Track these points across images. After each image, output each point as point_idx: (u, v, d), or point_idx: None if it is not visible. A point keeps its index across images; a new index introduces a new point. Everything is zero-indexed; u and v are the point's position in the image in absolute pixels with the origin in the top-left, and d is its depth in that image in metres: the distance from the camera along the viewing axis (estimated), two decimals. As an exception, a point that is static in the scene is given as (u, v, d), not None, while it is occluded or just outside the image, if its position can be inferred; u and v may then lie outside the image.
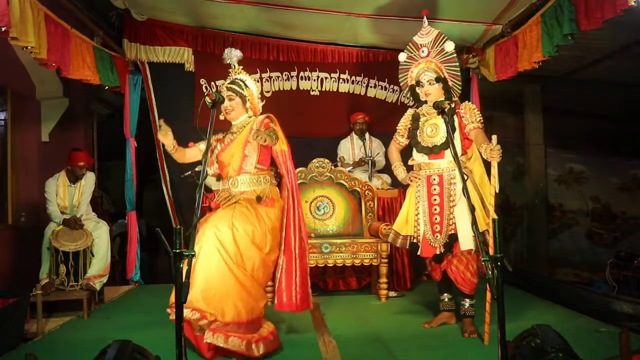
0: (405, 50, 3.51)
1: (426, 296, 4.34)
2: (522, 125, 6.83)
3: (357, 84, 5.71)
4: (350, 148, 5.36)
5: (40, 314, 3.56)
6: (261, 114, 3.15)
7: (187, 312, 2.56)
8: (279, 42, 5.53)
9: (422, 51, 3.41)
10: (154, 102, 5.36)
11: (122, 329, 3.48)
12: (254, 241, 2.82)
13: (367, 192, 4.72)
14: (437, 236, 3.30)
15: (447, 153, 3.29)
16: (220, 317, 2.64)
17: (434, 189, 3.34)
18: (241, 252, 2.77)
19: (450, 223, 3.26)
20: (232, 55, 3.13)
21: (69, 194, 4.25)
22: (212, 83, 5.45)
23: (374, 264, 4.32)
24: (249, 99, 3.08)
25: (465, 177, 2.80)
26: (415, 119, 3.46)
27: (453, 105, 3.25)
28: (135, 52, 5.19)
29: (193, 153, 3.16)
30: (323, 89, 5.68)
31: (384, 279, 4.30)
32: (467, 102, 3.40)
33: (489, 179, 3.10)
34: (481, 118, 3.28)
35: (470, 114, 3.27)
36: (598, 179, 7.10)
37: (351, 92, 5.71)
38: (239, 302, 2.71)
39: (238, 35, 5.43)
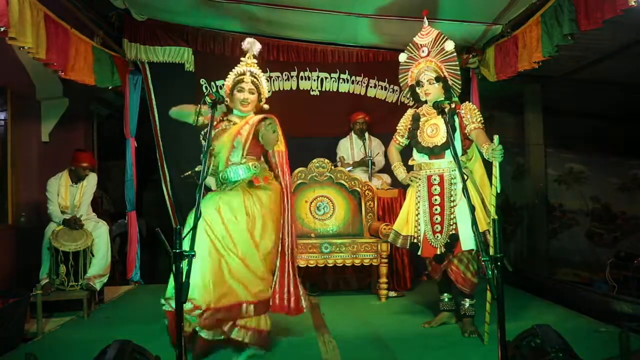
0: (405, 51, 3.51)
1: (426, 296, 4.34)
2: (522, 125, 6.82)
3: (357, 84, 5.71)
4: (349, 148, 5.36)
5: (40, 314, 3.56)
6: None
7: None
8: (279, 42, 5.53)
9: (422, 51, 3.42)
10: (154, 102, 5.36)
11: (122, 329, 3.48)
12: (246, 224, 2.80)
13: (367, 192, 4.72)
14: (437, 236, 3.30)
15: (448, 153, 3.29)
16: (213, 304, 2.63)
17: (435, 189, 3.34)
18: (232, 235, 2.75)
19: (451, 223, 3.26)
20: (254, 46, 3.13)
21: (71, 194, 4.25)
22: (212, 83, 5.45)
23: (374, 264, 4.32)
24: (262, 97, 3.10)
25: (465, 177, 2.80)
26: (416, 119, 3.47)
27: (453, 106, 3.25)
28: (135, 52, 5.20)
29: (187, 111, 3.08)
30: (323, 89, 5.68)
31: (384, 279, 4.30)
32: (467, 102, 3.40)
33: (490, 179, 3.10)
34: (482, 118, 3.28)
35: (470, 114, 3.27)
36: (598, 179, 7.10)
37: (351, 92, 5.71)
38: (232, 286, 2.70)
39: (238, 35, 5.42)
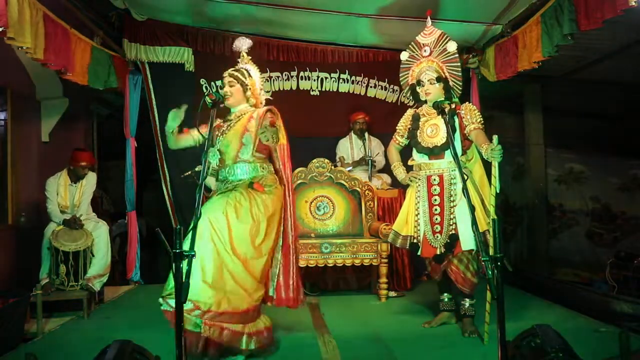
0: (407, 50, 3.51)
1: (426, 296, 4.34)
2: (522, 125, 6.82)
3: (357, 84, 5.71)
4: (349, 148, 5.36)
5: (40, 314, 3.56)
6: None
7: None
8: (279, 42, 5.53)
9: (425, 50, 3.42)
10: (154, 102, 5.36)
11: (122, 329, 3.48)
12: (250, 230, 2.80)
13: (367, 192, 4.72)
14: (437, 236, 3.30)
15: (447, 153, 3.29)
16: (215, 307, 2.62)
17: (435, 189, 3.34)
18: (235, 240, 2.75)
19: (451, 223, 3.26)
20: (242, 44, 3.16)
21: (70, 194, 4.25)
22: (212, 83, 5.45)
23: (374, 264, 4.32)
24: (249, 88, 3.08)
25: (465, 177, 2.80)
26: (415, 119, 3.47)
27: (453, 106, 3.25)
28: (135, 52, 5.20)
29: (185, 139, 3.12)
30: (323, 89, 5.68)
31: (384, 279, 4.30)
32: (467, 102, 3.40)
33: (489, 180, 3.10)
34: (481, 119, 3.28)
35: (470, 114, 3.27)
36: (598, 179, 7.09)
37: (351, 92, 5.71)
38: (233, 292, 2.69)
39: (238, 35, 5.39)
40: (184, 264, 1.87)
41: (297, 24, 5.10)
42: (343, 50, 5.68)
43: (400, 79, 3.59)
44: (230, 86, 3.05)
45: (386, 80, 5.71)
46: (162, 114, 5.34)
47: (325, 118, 5.58)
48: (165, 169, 5.37)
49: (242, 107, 3.10)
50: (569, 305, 3.97)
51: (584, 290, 4.56)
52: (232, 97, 3.05)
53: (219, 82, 5.42)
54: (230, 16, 5.02)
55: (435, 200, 3.33)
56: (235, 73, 3.07)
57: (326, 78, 5.67)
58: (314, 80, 5.65)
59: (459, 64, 3.37)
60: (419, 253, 3.41)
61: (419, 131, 3.41)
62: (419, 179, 3.41)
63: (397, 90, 5.69)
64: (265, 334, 2.83)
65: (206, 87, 5.44)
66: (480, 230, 3.00)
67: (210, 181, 5.01)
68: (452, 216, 3.26)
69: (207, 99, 2.78)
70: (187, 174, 4.65)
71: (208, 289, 2.64)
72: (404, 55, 3.53)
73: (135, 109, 5.33)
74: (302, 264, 4.13)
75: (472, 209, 2.17)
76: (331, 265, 4.30)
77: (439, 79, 3.31)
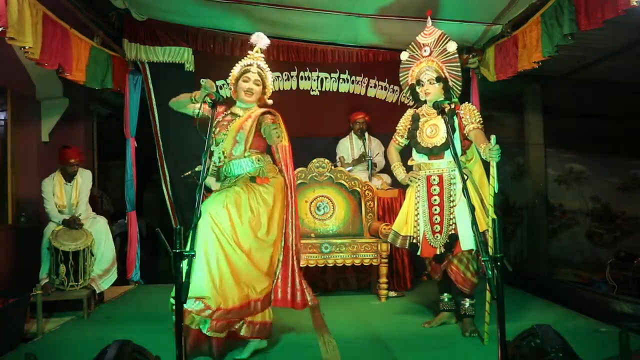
0: (407, 50, 3.51)
1: (426, 296, 4.34)
2: (522, 125, 6.83)
3: (357, 84, 5.71)
4: (349, 147, 5.36)
5: (40, 314, 3.56)
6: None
7: (190, 302, 2.56)
8: (279, 42, 5.52)
9: (425, 50, 3.42)
10: (154, 102, 5.36)
11: (122, 329, 3.48)
12: (250, 222, 2.81)
13: (367, 192, 4.72)
14: (437, 236, 3.30)
15: (447, 153, 3.29)
16: (224, 305, 2.63)
17: (434, 190, 3.34)
18: (237, 233, 2.76)
19: (451, 223, 3.26)
20: (262, 40, 3.15)
21: (66, 193, 4.24)
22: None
23: (374, 264, 4.32)
24: (267, 90, 3.12)
25: (465, 177, 2.80)
26: (415, 119, 3.47)
27: (453, 106, 3.25)
28: (135, 52, 5.20)
29: (185, 100, 3.08)
30: (323, 89, 5.68)
31: (384, 279, 4.30)
32: (466, 102, 3.40)
33: (489, 180, 3.10)
34: (481, 119, 3.28)
35: (470, 114, 3.27)
36: (598, 179, 7.10)
37: (351, 92, 5.71)
38: (239, 286, 2.70)
39: (238, 35, 5.42)
40: (184, 264, 1.87)
41: (297, 24, 5.10)
42: (343, 50, 5.68)
43: (400, 79, 3.59)
44: (256, 85, 3.05)
45: (386, 80, 5.71)
46: (162, 114, 5.36)
47: (325, 118, 5.58)
48: (165, 169, 5.37)
49: (253, 105, 3.10)
50: (569, 305, 3.97)
51: (584, 290, 4.56)
52: (254, 95, 3.06)
53: (219, 82, 5.43)
54: (230, 16, 5.02)
55: (435, 200, 3.33)
56: (263, 73, 3.08)
57: (326, 78, 5.67)
58: (314, 80, 5.65)
59: (458, 64, 3.37)
60: (418, 253, 3.41)
61: (418, 131, 3.41)
62: (419, 179, 3.41)
63: (397, 90, 5.69)
64: (258, 327, 2.82)
65: (206, 87, 5.42)
66: (480, 230, 3.00)
67: (210, 181, 5.02)
68: (451, 216, 3.26)
69: (207, 99, 2.77)
70: (187, 174, 4.65)
71: (216, 287, 2.64)
72: (403, 56, 3.53)
73: (135, 109, 5.33)
74: (302, 264, 4.12)
75: (472, 209, 2.17)
76: (331, 265, 4.30)
77: (438, 79, 3.32)
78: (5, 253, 4.42)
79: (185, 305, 2.50)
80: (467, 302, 3.30)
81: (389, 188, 5.01)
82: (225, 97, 5.23)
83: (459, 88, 3.41)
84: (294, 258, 3.00)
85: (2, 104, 4.46)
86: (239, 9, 4.81)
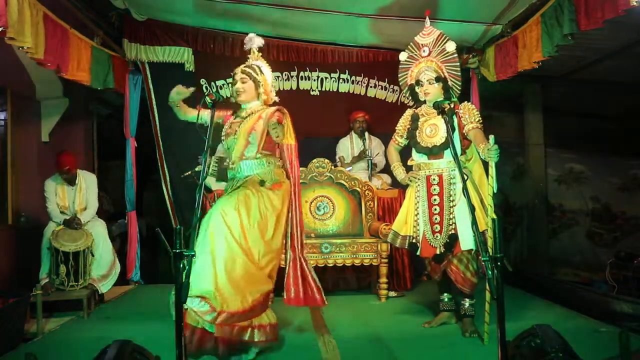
0: (406, 50, 3.52)
1: (426, 296, 4.34)
2: (522, 125, 6.82)
3: (357, 84, 5.71)
4: (349, 147, 5.36)
5: (40, 314, 3.56)
6: (289, 112, 3.17)
7: (195, 302, 2.59)
8: (279, 42, 5.53)
9: (424, 50, 3.42)
10: (154, 102, 5.36)
11: (122, 329, 3.48)
12: (259, 226, 2.83)
13: (367, 192, 4.72)
14: (437, 236, 3.30)
15: (447, 153, 3.29)
16: (227, 308, 2.64)
17: (434, 189, 3.34)
18: (246, 236, 2.78)
19: (451, 223, 3.25)
20: (254, 41, 3.19)
21: (69, 195, 4.24)
22: (212, 83, 5.45)
23: (374, 264, 4.32)
24: (262, 85, 3.10)
25: (465, 177, 2.80)
26: (415, 119, 3.47)
27: (452, 106, 3.25)
28: (135, 52, 5.20)
29: (192, 113, 3.17)
30: (323, 89, 5.68)
31: (384, 279, 4.30)
32: (466, 102, 3.39)
33: (488, 180, 3.10)
34: (480, 118, 3.28)
35: (469, 114, 3.27)
36: (598, 179, 7.10)
37: (351, 92, 5.71)
38: (245, 289, 2.72)
39: (238, 34, 5.42)
40: (187, 263, 1.87)
41: (297, 24, 5.10)
42: (343, 50, 5.68)
43: (399, 80, 3.59)
44: (243, 82, 3.07)
45: (386, 80, 5.71)
46: (162, 114, 5.36)
47: (325, 118, 5.57)
48: (165, 169, 5.38)
49: (253, 104, 3.12)
50: (569, 305, 3.97)
51: (584, 290, 4.56)
52: (245, 93, 3.07)
53: (219, 82, 5.43)
54: (230, 16, 5.02)
55: (435, 200, 3.33)
56: (247, 69, 3.08)
57: (326, 78, 5.67)
58: (314, 80, 5.65)
59: (457, 63, 3.37)
60: (418, 253, 3.41)
61: (418, 131, 3.41)
62: (418, 179, 3.41)
63: (397, 90, 5.68)
64: (268, 329, 2.83)
65: (206, 87, 5.43)
66: (480, 230, 2.99)
67: (210, 181, 5.03)
68: (451, 216, 3.26)
69: (207, 99, 2.78)
70: (187, 174, 4.64)
71: (221, 288, 2.65)
72: (402, 56, 3.53)
73: (135, 109, 5.33)
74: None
75: (472, 208, 2.17)
76: (331, 265, 4.30)
77: (437, 79, 3.32)
78: (5, 253, 4.42)
79: (190, 305, 2.55)
80: (467, 302, 3.30)
81: (389, 188, 5.01)
82: (225, 97, 5.23)
83: (459, 88, 3.41)
84: (301, 255, 3.02)
85: (2, 104, 4.46)
86: (239, 9, 4.81)
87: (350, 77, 5.69)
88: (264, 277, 2.84)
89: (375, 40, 5.48)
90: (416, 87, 3.42)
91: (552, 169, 7.00)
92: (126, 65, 5.23)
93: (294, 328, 3.43)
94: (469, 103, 3.39)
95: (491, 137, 2.94)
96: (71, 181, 4.25)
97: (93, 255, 4.08)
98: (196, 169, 4.55)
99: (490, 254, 1.90)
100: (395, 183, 4.69)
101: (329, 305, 4.09)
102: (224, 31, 5.43)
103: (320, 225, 4.66)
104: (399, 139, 3.58)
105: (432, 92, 3.33)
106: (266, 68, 3.18)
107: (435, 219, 3.32)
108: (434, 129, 3.33)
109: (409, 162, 3.53)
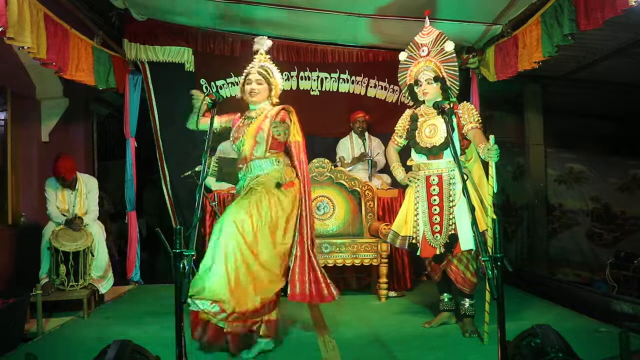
0: (405, 50, 3.52)
1: (426, 296, 4.34)
2: (522, 125, 6.83)
3: (357, 84, 5.71)
4: (349, 147, 5.36)
5: (40, 314, 3.55)
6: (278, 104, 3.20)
7: (206, 304, 2.66)
8: (279, 42, 5.51)
9: (423, 50, 3.42)
10: (154, 102, 5.36)
11: (122, 329, 3.48)
12: (270, 229, 2.89)
13: (367, 192, 4.72)
14: (436, 236, 3.30)
15: (446, 153, 3.29)
16: (239, 308, 2.70)
17: (434, 190, 3.34)
18: (257, 240, 2.84)
19: (451, 223, 3.25)
20: (264, 43, 3.23)
21: (69, 199, 4.22)
22: (212, 83, 5.45)
23: (374, 264, 4.32)
24: (274, 87, 3.16)
25: (465, 177, 2.79)
26: (414, 119, 3.47)
27: (451, 105, 3.25)
28: (135, 52, 5.20)
29: (205, 123, 3.11)
30: (323, 89, 5.68)
31: (384, 279, 4.30)
32: (465, 102, 3.39)
33: (488, 180, 3.10)
34: (479, 118, 3.28)
35: (468, 114, 3.27)
36: (598, 179, 7.10)
37: (351, 92, 5.71)
38: (256, 291, 2.78)
39: (238, 35, 5.43)
40: (187, 263, 1.87)
41: (297, 24, 5.10)
42: (343, 50, 5.68)
43: (399, 79, 3.59)
44: (259, 84, 3.10)
45: (386, 80, 5.71)
46: (162, 114, 5.36)
47: (325, 118, 5.57)
48: (165, 169, 5.38)
49: (263, 105, 3.15)
50: (569, 305, 3.97)
51: (584, 290, 4.56)
52: (259, 94, 3.11)
53: (219, 82, 5.43)
54: (230, 16, 5.02)
55: (435, 200, 3.33)
56: (264, 72, 3.12)
57: (326, 78, 5.67)
58: (314, 80, 5.65)
59: (456, 63, 3.37)
60: (418, 253, 3.41)
61: (417, 131, 3.41)
62: (418, 179, 3.41)
63: (397, 90, 5.68)
64: (276, 324, 2.94)
65: (206, 87, 5.43)
66: (480, 230, 2.99)
67: (210, 181, 5.03)
68: (451, 216, 3.26)
69: (207, 99, 2.78)
70: (187, 174, 4.64)
71: (232, 292, 2.71)
72: (402, 56, 3.53)
73: (135, 109, 5.33)
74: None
75: (472, 209, 2.17)
76: (331, 265, 4.30)
77: (436, 79, 3.32)
78: (5, 253, 4.42)
79: (201, 307, 2.65)
80: (467, 302, 3.30)
81: (389, 188, 5.01)
82: (225, 97, 5.23)
83: (457, 88, 3.41)
84: (310, 251, 3.05)
85: (2, 104, 4.46)
86: (239, 9, 4.81)
87: (350, 77, 5.69)
88: (275, 277, 2.91)
89: (375, 40, 5.48)
90: (415, 87, 3.42)
91: (552, 169, 7.00)
92: (126, 65, 5.23)
93: (294, 328, 3.42)
94: (468, 103, 3.39)
95: (491, 137, 2.94)
96: (71, 185, 4.23)
97: (93, 255, 4.08)
98: (196, 169, 4.55)
99: (490, 254, 1.90)
100: (395, 183, 4.69)
101: (329, 305, 4.13)
102: (224, 31, 5.43)
103: (320, 225, 4.65)
104: (398, 139, 3.58)
105: (430, 92, 3.33)
106: (277, 71, 3.22)
107: (435, 219, 3.32)
108: (433, 129, 3.33)
109: (408, 163, 3.53)
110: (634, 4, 3.10)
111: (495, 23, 4.77)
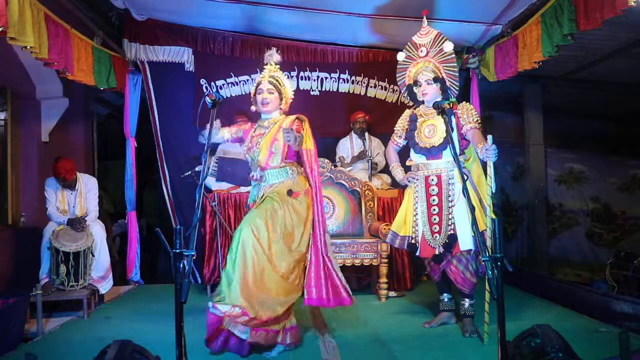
0: (404, 50, 3.52)
1: (426, 296, 4.34)
2: (522, 125, 6.83)
3: (357, 84, 5.71)
4: (349, 147, 5.36)
5: (40, 314, 3.55)
6: (290, 113, 3.24)
7: (227, 308, 2.67)
8: (279, 42, 5.52)
9: (421, 51, 3.42)
10: (154, 102, 5.37)
11: (122, 329, 3.48)
12: (285, 238, 2.93)
13: (367, 192, 4.72)
14: (436, 237, 3.30)
15: (445, 154, 3.29)
16: (259, 315, 2.73)
17: (433, 190, 3.34)
18: (273, 248, 2.88)
19: (450, 223, 3.25)
20: (274, 57, 3.27)
21: (69, 199, 4.22)
22: (212, 83, 5.45)
23: (374, 264, 4.32)
24: (284, 97, 3.19)
25: (466, 177, 2.80)
26: (413, 119, 3.47)
27: (451, 106, 3.25)
28: (135, 52, 5.21)
29: (220, 136, 3.25)
30: (323, 89, 5.68)
31: (384, 279, 4.30)
32: (464, 102, 3.39)
33: (487, 180, 3.10)
34: (478, 118, 3.28)
35: (467, 114, 3.27)
36: (598, 179, 7.11)
37: (351, 92, 5.71)
38: (274, 298, 2.81)
39: (238, 35, 5.43)
40: (186, 263, 1.88)
41: (297, 24, 5.10)
42: (343, 50, 5.68)
43: (398, 80, 3.59)
44: (270, 93, 3.15)
45: (386, 80, 5.71)
46: (162, 114, 5.36)
47: (325, 118, 5.57)
48: (165, 169, 5.38)
49: (275, 114, 3.20)
50: (569, 305, 3.97)
51: (584, 290, 4.55)
52: (271, 104, 3.16)
53: (219, 82, 5.43)
54: (230, 16, 5.02)
55: (434, 200, 3.33)
56: (274, 81, 3.15)
57: (326, 78, 5.67)
58: (314, 80, 5.65)
59: (455, 64, 3.37)
60: (417, 253, 3.41)
61: (416, 132, 3.41)
62: (417, 180, 3.41)
63: (397, 90, 5.68)
64: (294, 332, 2.97)
65: (206, 87, 5.43)
66: (480, 230, 2.99)
67: (210, 181, 5.03)
68: (450, 216, 3.26)
69: (207, 99, 2.78)
70: (187, 174, 4.65)
71: (252, 299, 2.74)
72: (400, 56, 3.53)
73: (135, 109, 5.33)
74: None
75: (472, 209, 2.17)
76: (331, 265, 4.30)
77: (435, 79, 3.32)
78: (5, 253, 4.42)
79: (223, 310, 2.66)
80: (466, 302, 3.30)
81: (389, 188, 5.01)
82: (225, 97, 5.23)
83: (457, 88, 3.41)
84: (325, 256, 3.07)
85: (2, 104, 4.46)
86: (239, 9, 4.81)
87: (350, 77, 5.69)
88: (292, 286, 2.95)
89: (375, 40, 5.48)
90: (414, 88, 3.42)
91: (552, 169, 7.01)
92: (126, 65, 5.23)
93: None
94: (467, 103, 3.39)
95: (489, 137, 2.94)
96: (71, 185, 4.23)
97: (93, 256, 4.08)
98: (196, 169, 4.56)
99: (490, 254, 1.90)
100: (395, 183, 4.69)
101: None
102: (224, 31, 5.43)
103: (320, 225, 4.65)
104: (398, 139, 3.58)
105: (429, 92, 3.33)
106: (287, 80, 3.26)
107: (434, 219, 3.32)
108: (432, 130, 3.33)
109: (408, 163, 3.53)
110: (633, 4, 3.10)
111: (495, 23, 4.77)
